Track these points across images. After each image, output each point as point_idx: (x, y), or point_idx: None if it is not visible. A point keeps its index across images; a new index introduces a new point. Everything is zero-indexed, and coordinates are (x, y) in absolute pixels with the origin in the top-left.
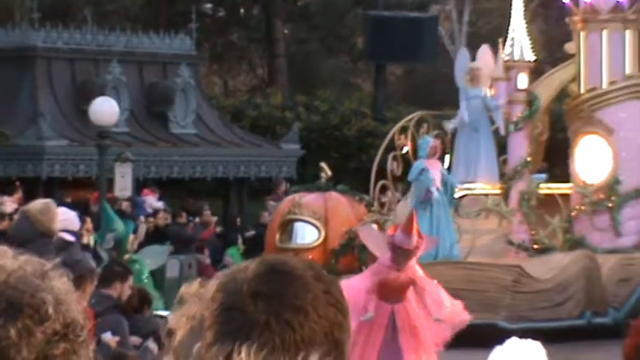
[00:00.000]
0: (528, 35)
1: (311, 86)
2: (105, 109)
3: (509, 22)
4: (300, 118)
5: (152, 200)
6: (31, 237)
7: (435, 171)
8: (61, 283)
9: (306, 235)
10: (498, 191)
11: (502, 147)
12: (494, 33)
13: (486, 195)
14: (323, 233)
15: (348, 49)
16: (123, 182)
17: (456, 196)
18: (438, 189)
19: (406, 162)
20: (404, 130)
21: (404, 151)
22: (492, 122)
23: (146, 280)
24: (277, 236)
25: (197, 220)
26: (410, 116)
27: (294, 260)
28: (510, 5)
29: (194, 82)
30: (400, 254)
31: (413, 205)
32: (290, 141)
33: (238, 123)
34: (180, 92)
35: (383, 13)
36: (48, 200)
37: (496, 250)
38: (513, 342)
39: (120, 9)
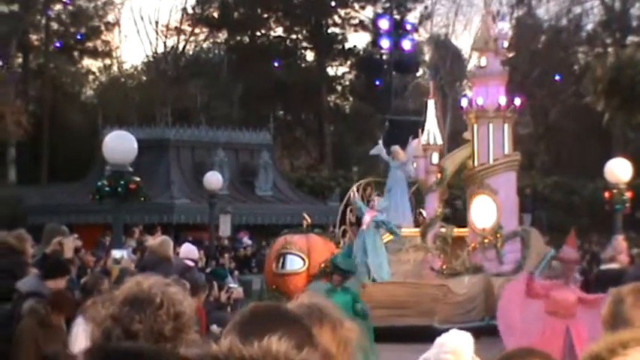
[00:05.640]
0: (438, 127)
1: (347, 165)
2: (214, 179)
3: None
4: (341, 185)
5: (245, 238)
6: (155, 263)
7: (369, 216)
8: (173, 290)
9: (295, 264)
10: (418, 233)
11: (422, 202)
12: (462, 130)
13: (405, 236)
14: (307, 263)
15: (371, 140)
16: (225, 227)
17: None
18: (367, 226)
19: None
20: (357, 191)
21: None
22: (410, 185)
23: None
24: (274, 265)
25: None
26: (359, 182)
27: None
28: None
29: (271, 162)
30: (567, 267)
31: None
32: (333, 200)
33: (300, 189)
34: (262, 169)
35: (393, 117)
36: (164, 237)
37: (416, 273)
38: (454, 331)
39: (223, 114)
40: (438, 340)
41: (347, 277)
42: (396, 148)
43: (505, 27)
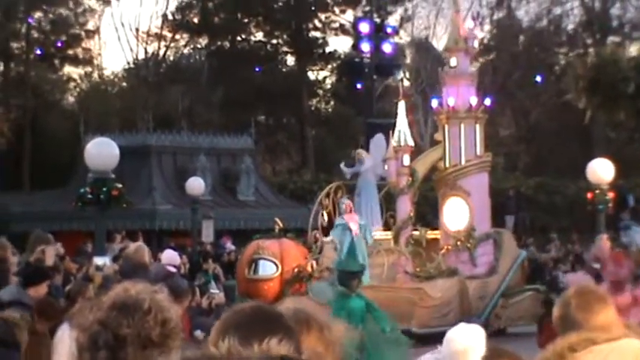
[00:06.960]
0: (409, 127)
1: (330, 168)
2: (196, 185)
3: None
4: (323, 189)
5: (228, 243)
6: (131, 270)
7: (353, 222)
8: (161, 297)
9: (267, 269)
10: (390, 236)
11: (393, 206)
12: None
13: (377, 239)
14: (280, 268)
15: (353, 143)
16: (207, 232)
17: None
18: (356, 233)
19: (330, 217)
20: (328, 195)
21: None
22: (379, 189)
23: None
24: (246, 270)
25: None
26: (330, 185)
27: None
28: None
29: (253, 167)
30: (614, 286)
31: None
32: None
33: (282, 193)
34: (245, 173)
35: (375, 120)
36: (139, 243)
37: (390, 277)
38: (462, 325)
39: (205, 119)
40: (449, 335)
41: (361, 278)
42: (359, 150)
43: (473, 25)
